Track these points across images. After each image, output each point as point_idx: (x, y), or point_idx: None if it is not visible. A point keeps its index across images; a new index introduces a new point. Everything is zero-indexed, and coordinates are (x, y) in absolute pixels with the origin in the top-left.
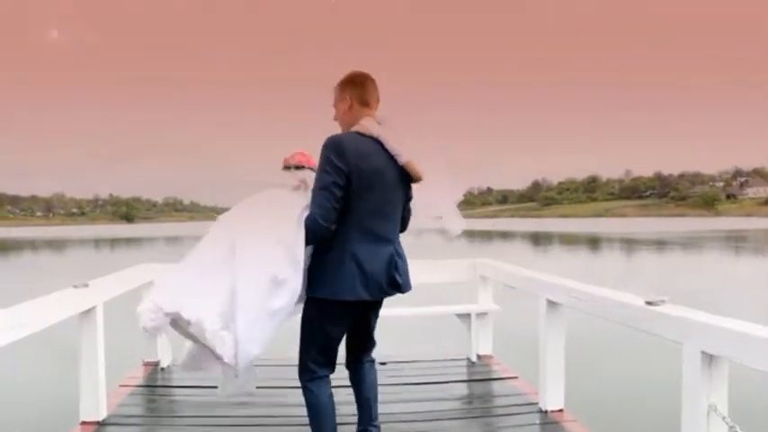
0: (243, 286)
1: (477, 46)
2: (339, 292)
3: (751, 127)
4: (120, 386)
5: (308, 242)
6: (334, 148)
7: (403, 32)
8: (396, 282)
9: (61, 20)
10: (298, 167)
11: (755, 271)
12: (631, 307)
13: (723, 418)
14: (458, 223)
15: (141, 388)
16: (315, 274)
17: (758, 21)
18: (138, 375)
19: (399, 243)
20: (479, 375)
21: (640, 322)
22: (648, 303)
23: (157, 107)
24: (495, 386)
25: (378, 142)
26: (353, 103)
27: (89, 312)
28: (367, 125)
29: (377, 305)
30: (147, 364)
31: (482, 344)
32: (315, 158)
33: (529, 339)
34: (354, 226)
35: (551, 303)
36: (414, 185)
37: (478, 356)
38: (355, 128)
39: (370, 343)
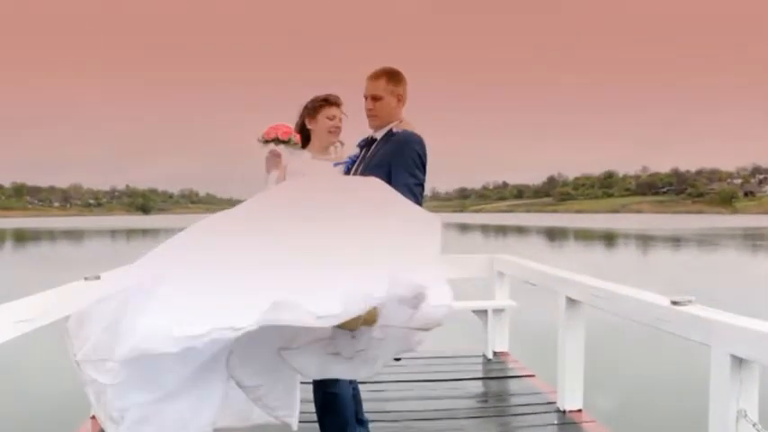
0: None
1: (494, 45)
2: None
3: None
4: None
5: None
6: (423, 148)
7: (420, 31)
8: None
9: (92, 18)
10: (281, 141)
11: None
12: (656, 307)
13: (754, 425)
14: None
15: None
16: None
17: None
18: None
19: None
20: (495, 373)
21: (665, 323)
22: (674, 303)
23: (176, 102)
24: (512, 384)
25: None
26: (402, 101)
27: None
28: (414, 127)
29: None
30: None
31: (498, 341)
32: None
33: (545, 336)
34: None
35: (571, 301)
36: None
37: (495, 353)
38: (406, 125)
39: None
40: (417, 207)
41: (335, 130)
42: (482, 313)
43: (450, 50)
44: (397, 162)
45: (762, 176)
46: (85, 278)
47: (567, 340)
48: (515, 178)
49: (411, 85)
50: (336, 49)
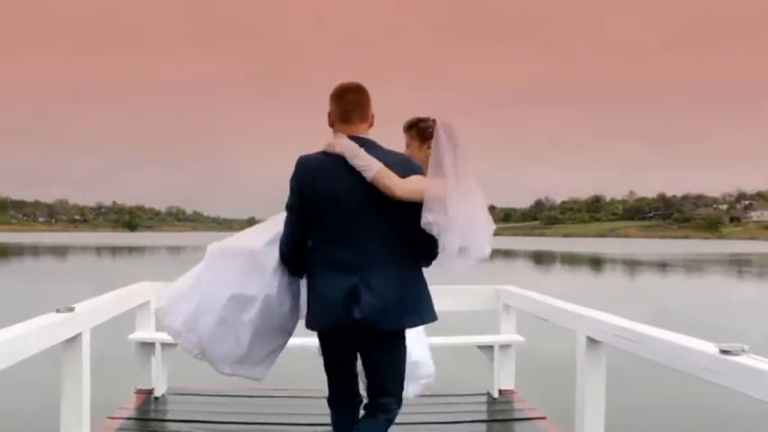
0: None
1: (483, 68)
2: (309, 320)
3: (755, 149)
4: (109, 418)
5: (284, 265)
6: (294, 170)
7: (410, 50)
8: (353, 316)
9: (82, 31)
10: None
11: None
12: (701, 355)
13: None
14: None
15: (132, 421)
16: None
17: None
18: (129, 406)
19: (382, 272)
20: (502, 414)
21: (713, 374)
22: (724, 352)
23: (163, 116)
24: (520, 428)
25: (343, 159)
26: (335, 121)
27: (74, 340)
28: (333, 142)
29: (374, 343)
30: (139, 392)
31: (504, 378)
32: None
33: (555, 372)
34: (316, 253)
35: (592, 341)
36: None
37: (500, 392)
38: (323, 147)
39: (379, 389)
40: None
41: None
42: (488, 349)
43: (439, 71)
44: None
45: (747, 202)
46: (57, 310)
47: (587, 384)
48: (503, 202)
49: (398, 103)
50: (324, 67)
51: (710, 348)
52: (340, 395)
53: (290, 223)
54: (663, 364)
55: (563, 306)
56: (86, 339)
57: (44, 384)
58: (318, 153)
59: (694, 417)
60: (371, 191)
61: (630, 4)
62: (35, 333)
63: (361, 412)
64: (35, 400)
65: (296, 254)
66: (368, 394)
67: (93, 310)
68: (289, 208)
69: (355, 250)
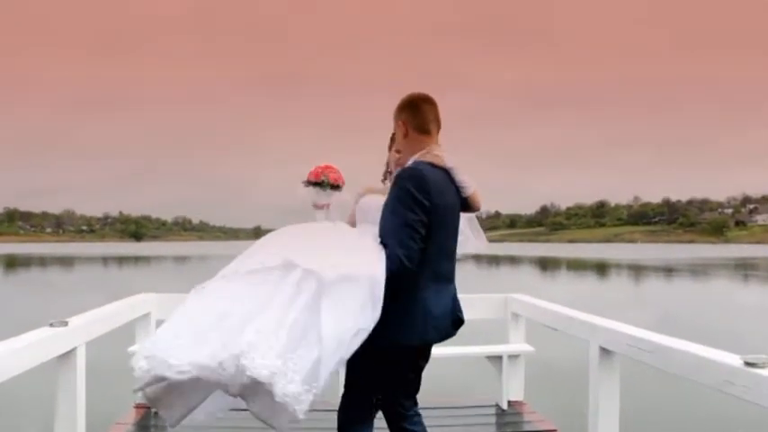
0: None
1: (487, 75)
2: (406, 335)
3: (759, 153)
4: None
5: (390, 285)
6: (415, 181)
7: (418, 56)
8: (459, 319)
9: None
10: (334, 187)
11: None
12: (723, 367)
13: None
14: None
15: None
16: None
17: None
18: (128, 421)
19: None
20: (511, 427)
21: (736, 388)
22: (749, 365)
23: (169, 126)
24: None
25: (447, 174)
26: (408, 130)
27: (68, 355)
28: (441, 155)
29: (428, 352)
30: (138, 407)
31: (514, 389)
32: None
33: (566, 382)
34: (422, 266)
35: (605, 351)
36: None
37: (509, 403)
38: (428, 158)
39: (413, 399)
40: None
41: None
42: (496, 359)
43: (444, 77)
44: (385, 203)
45: (752, 206)
46: (50, 324)
47: (601, 397)
48: (508, 208)
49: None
50: (330, 79)
51: (734, 360)
52: (372, 413)
53: (417, 238)
54: (681, 377)
55: (574, 315)
56: (81, 354)
57: (42, 399)
58: (427, 164)
59: (709, 425)
60: (460, 205)
61: (635, 10)
62: (27, 348)
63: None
64: (32, 417)
65: (414, 272)
66: (401, 406)
67: (89, 324)
68: (418, 222)
69: (452, 262)
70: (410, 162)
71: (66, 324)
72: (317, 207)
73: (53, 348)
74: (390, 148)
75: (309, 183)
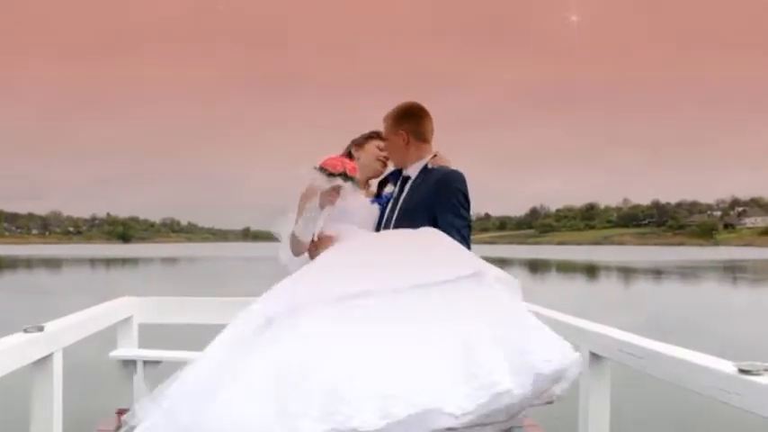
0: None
1: (479, 79)
2: None
3: (748, 156)
4: None
5: None
6: (466, 186)
7: (413, 58)
8: None
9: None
10: (348, 178)
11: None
12: (717, 374)
13: None
14: None
15: None
16: None
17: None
18: (109, 428)
19: None
20: None
21: (730, 395)
22: (743, 372)
23: (157, 127)
24: None
25: None
26: (410, 139)
27: (44, 361)
28: (449, 161)
29: None
30: (121, 413)
31: None
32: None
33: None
34: None
35: (596, 357)
36: None
37: None
38: (440, 162)
39: None
40: (495, 268)
41: (384, 160)
42: None
43: (437, 79)
44: (443, 205)
45: (741, 209)
46: (25, 329)
47: (590, 403)
48: (498, 210)
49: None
50: (319, 81)
51: (728, 367)
52: None
53: (467, 239)
54: (673, 384)
55: (564, 319)
56: (58, 359)
57: (18, 406)
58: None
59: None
60: None
61: (624, 15)
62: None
63: None
64: (8, 425)
65: None
66: None
67: (66, 329)
68: (470, 225)
69: None
70: (434, 166)
71: (41, 329)
72: (328, 201)
73: (27, 354)
74: (354, 151)
75: (347, 177)
